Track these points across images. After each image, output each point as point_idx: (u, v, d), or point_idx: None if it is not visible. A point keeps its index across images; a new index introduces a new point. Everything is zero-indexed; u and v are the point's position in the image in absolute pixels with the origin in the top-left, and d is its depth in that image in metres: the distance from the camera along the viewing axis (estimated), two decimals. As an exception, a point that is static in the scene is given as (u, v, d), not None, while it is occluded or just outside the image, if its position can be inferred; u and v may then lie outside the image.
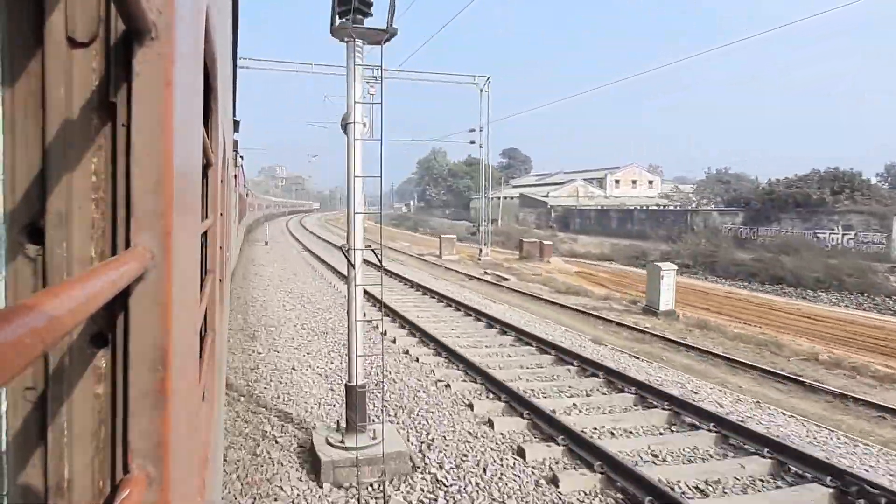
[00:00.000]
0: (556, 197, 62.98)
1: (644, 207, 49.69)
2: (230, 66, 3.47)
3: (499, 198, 68.95)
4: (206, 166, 1.72)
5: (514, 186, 78.71)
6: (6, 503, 0.62)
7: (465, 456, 5.86)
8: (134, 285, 0.61)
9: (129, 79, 0.62)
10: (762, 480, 5.54)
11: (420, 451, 5.96)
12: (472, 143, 28.37)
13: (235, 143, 8.89)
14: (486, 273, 21.88)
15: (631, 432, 6.69)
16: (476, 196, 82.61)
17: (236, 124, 8.08)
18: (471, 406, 7.24)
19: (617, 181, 67.98)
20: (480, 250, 27.65)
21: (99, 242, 0.64)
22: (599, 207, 55.21)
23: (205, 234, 1.67)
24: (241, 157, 14.93)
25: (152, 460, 0.63)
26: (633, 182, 68.19)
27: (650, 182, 70.16)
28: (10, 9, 0.61)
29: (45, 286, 0.63)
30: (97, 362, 0.63)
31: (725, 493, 5.31)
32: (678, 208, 45.02)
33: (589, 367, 8.75)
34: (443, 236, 28.38)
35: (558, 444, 5.98)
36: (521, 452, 5.91)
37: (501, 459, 5.78)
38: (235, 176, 9.63)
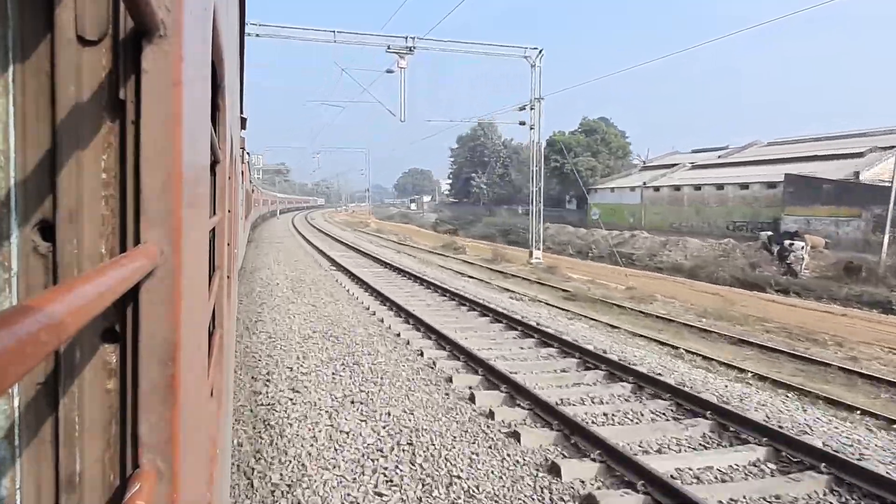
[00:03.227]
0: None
1: None
2: (237, 63, 3.48)
3: (747, 184, 35.20)
4: (214, 163, 1.73)
5: (698, 166, 46.28)
6: (19, 497, 0.63)
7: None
8: (144, 282, 0.62)
9: (138, 76, 0.63)
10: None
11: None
12: (522, 123, 22.71)
13: (242, 139, 8.90)
14: None
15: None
16: (602, 185, 46.30)
17: (243, 121, 8.09)
18: None
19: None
20: None
21: (109, 239, 0.64)
22: None
23: (213, 231, 1.68)
24: (248, 153, 14.95)
25: (162, 455, 0.63)
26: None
27: None
28: (21, 7, 0.62)
29: (55, 282, 0.63)
30: (107, 358, 0.64)
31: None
32: None
33: None
34: None
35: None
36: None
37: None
38: (242, 172, 9.65)
